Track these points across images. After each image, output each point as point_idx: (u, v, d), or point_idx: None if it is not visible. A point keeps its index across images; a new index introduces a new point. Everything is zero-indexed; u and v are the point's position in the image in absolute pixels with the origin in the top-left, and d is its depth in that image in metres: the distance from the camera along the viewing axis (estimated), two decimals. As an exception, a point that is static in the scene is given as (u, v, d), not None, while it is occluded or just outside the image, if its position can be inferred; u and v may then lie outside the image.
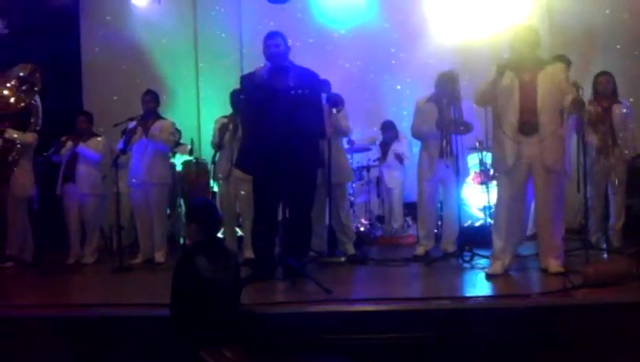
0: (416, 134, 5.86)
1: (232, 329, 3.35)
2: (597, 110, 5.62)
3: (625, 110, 5.78)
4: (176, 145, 7.10)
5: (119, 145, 6.05)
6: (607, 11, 7.33)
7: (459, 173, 5.42)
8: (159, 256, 6.07)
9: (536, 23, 6.71)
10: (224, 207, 6.02)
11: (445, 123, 5.38)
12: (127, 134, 5.93)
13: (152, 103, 6.19)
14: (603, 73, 5.84)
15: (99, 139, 6.46)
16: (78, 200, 6.36)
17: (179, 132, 7.29)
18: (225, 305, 3.36)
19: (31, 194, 6.11)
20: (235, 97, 5.73)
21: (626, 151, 5.77)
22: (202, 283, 3.28)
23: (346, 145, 6.39)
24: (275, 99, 4.55)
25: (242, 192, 5.85)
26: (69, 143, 6.35)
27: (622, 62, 7.07)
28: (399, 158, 7.27)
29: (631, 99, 6.02)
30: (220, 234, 6.37)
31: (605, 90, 5.72)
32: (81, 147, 6.29)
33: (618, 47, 7.24)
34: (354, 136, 7.11)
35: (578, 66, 6.33)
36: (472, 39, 7.16)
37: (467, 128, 5.45)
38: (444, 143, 5.30)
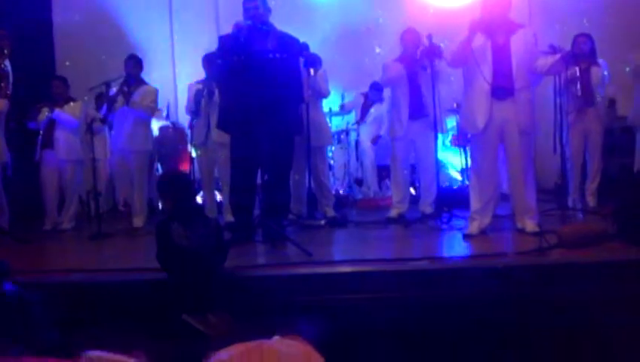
0: (385, 81, 5.82)
1: (215, 295, 3.36)
2: (573, 70, 5.63)
3: (603, 71, 5.80)
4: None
5: (102, 111, 5.97)
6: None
7: (435, 131, 5.42)
8: (137, 221, 6.05)
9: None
10: (203, 172, 6.01)
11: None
12: (108, 102, 5.84)
13: (135, 69, 6.10)
14: (581, 34, 5.84)
15: (75, 103, 6.34)
16: (57, 166, 6.28)
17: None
18: (205, 272, 3.37)
19: (4, 161, 5.99)
20: (210, 61, 5.64)
21: (601, 112, 5.81)
22: (178, 251, 3.30)
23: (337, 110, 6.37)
24: (253, 62, 4.49)
25: (221, 156, 5.81)
26: (46, 110, 6.23)
27: (604, 25, 7.07)
28: (374, 141, 7.33)
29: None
30: (199, 199, 6.36)
31: (583, 50, 5.72)
32: (58, 112, 6.17)
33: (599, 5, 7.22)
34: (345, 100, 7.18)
35: (558, 28, 6.35)
36: (453, 3, 7.10)
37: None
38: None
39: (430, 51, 5.24)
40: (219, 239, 3.56)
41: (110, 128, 6.66)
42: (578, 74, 5.59)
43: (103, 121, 5.95)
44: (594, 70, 5.75)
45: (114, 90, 5.92)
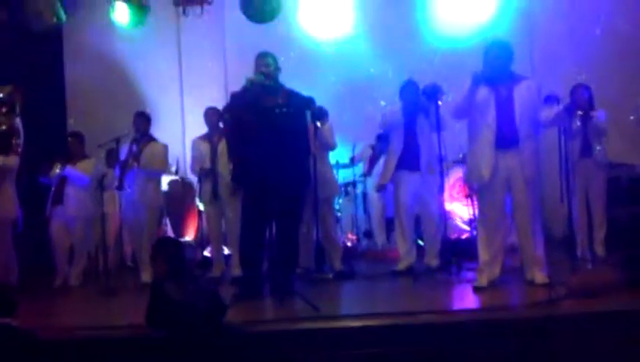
0: (382, 125, 5.91)
1: (219, 350, 3.36)
2: (575, 121, 5.67)
3: (601, 120, 5.85)
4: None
5: (115, 173, 6.11)
6: (598, 31, 7.42)
7: (442, 184, 5.46)
8: (146, 276, 6.04)
9: (518, 37, 6.89)
10: (211, 226, 6.02)
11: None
12: (121, 167, 5.96)
13: (143, 125, 6.22)
14: (579, 85, 5.91)
15: (89, 160, 6.38)
16: (66, 222, 6.29)
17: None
18: (203, 326, 3.40)
19: (14, 217, 6.03)
20: (218, 116, 5.77)
21: (600, 160, 5.83)
22: (174, 305, 3.39)
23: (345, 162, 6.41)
24: (262, 117, 4.59)
25: (229, 211, 5.86)
26: (58, 165, 6.30)
27: (603, 71, 7.18)
28: (378, 189, 7.39)
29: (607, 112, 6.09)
30: (207, 253, 6.38)
31: (581, 100, 5.77)
32: (69, 169, 6.21)
33: (600, 55, 7.34)
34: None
35: (560, 79, 6.45)
36: (455, 53, 7.24)
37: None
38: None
39: (431, 91, 5.29)
40: (214, 295, 3.64)
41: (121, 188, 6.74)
42: (579, 123, 5.63)
43: (119, 187, 6.03)
44: (592, 118, 5.79)
45: (124, 151, 6.04)
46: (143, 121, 6.26)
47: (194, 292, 3.49)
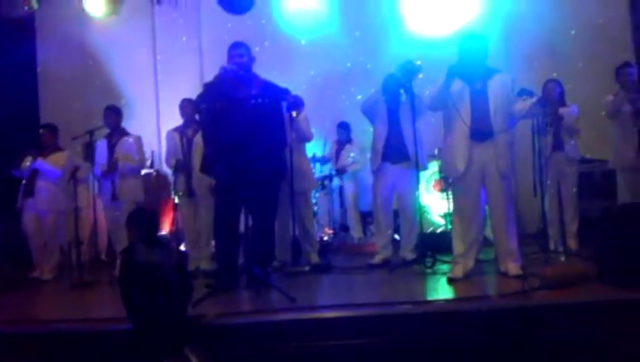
0: (364, 104, 5.77)
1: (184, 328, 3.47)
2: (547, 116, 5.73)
3: (572, 114, 5.93)
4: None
5: (95, 171, 6.15)
6: (572, 32, 7.52)
7: (417, 171, 5.47)
8: None
9: (492, 30, 6.96)
10: (185, 220, 5.97)
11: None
12: (108, 171, 6.03)
13: (112, 119, 6.17)
14: (551, 80, 5.98)
15: (62, 153, 6.30)
16: (38, 215, 6.21)
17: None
18: (170, 293, 3.49)
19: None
20: (194, 106, 5.71)
21: (571, 155, 5.92)
22: (142, 267, 3.46)
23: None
24: (237, 108, 4.55)
25: (203, 205, 5.83)
26: (29, 158, 6.21)
27: (576, 69, 7.29)
28: (342, 170, 7.42)
29: (579, 107, 6.17)
30: (182, 247, 6.33)
31: (552, 95, 5.84)
32: (40, 162, 6.13)
33: (573, 54, 7.44)
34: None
35: (532, 72, 6.53)
36: (430, 48, 7.27)
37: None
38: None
39: (406, 68, 5.35)
40: (180, 267, 3.71)
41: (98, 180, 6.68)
42: (549, 118, 5.69)
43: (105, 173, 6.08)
44: (563, 113, 5.86)
45: (100, 148, 6.06)
46: (113, 115, 6.21)
47: (162, 255, 3.58)
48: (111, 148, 6.13)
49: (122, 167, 6.05)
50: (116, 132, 6.21)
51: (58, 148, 6.34)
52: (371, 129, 5.95)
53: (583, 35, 7.45)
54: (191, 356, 3.23)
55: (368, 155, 6.08)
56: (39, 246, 6.27)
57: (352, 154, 7.49)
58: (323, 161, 7.65)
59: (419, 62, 5.45)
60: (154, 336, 3.33)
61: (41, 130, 6.39)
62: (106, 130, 6.21)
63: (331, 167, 7.66)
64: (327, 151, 7.74)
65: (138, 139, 6.28)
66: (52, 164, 6.17)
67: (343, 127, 7.63)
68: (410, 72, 5.40)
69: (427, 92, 4.99)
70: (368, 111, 5.76)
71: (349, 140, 7.60)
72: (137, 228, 3.68)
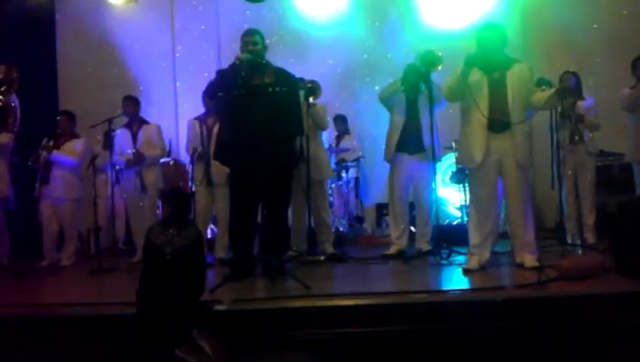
0: (382, 92, 5.71)
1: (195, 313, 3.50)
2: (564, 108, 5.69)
3: (589, 107, 5.89)
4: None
5: (115, 160, 6.25)
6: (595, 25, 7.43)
7: (434, 164, 5.46)
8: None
9: (511, 21, 6.90)
10: (200, 208, 6.01)
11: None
12: (135, 161, 6.17)
13: (131, 108, 6.30)
14: (567, 72, 5.93)
15: (77, 140, 6.37)
16: (54, 203, 6.29)
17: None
18: (180, 277, 3.52)
19: (6, 196, 6.02)
20: (210, 94, 5.72)
21: (590, 148, 5.88)
22: (154, 248, 3.51)
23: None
24: (253, 95, 4.55)
25: (220, 194, 5.86)
26: (44, 153, 6.24)
27: (595, 62, 7.22)
28: (342, 163, 7.47)
29: (597, 100, 6.12)
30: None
31: (569, 86, 5.78)
32: (55, 155, 6.21)
33: (591, 43, 7.36)
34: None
35: (551, 65, 6.47)
36: (448, 40, 7.24)
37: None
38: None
39: (430, 60, 5.34)
40: (198, 252, 3.73)
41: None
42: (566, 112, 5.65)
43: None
44: (580, 106, 5.82)
45: (120, 137, 6.20)
46: (132, 103, 6.32)
47: (178, 238, 3.59)
48: (133, 137, 6.24)
49: (149, 158, 6.21)
50: (135, 121, 6.32)
51: (75, 135, 6.42)
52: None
53: (603, 26, 7.36)
54: (200, 340, 3.24)
55: (381, 146, 6.05)
56: (53, 235, 6.33)
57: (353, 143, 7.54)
58: (338, 151, 7.67)
59: (440, 53, 5.41)
60: (162, 319, 3.35)
61: (58, 117, 6.47)
62: (124, 119, 6.30)
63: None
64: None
65: (158, 128, 6.40)
66: (67, 153, 6.25)
67: (340, 119, 7.72)
68: (431, 62, 5.36)
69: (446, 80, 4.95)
70: (387, 100, 5.70)
71: (346, 131, 7.68)
72: (169, 206, 3.75)
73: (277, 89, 4.58)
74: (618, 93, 5.79)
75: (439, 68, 5.38)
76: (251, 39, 4.79)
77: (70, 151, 6.26)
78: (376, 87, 6.62)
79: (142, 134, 6.24)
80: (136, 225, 6.34)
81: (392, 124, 5.72)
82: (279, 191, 4.81)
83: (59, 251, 6.38)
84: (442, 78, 5.40)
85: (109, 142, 6.56)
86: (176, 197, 3.86)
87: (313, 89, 5.49)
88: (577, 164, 5.88)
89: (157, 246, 3.52)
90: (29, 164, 6.30)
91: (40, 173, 6.30)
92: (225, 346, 3.29)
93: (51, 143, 6.24)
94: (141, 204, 6.26)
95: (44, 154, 6.24)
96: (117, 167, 6.45)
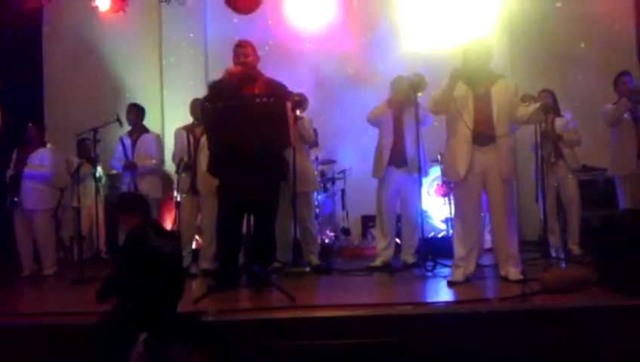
0: (371, 116, 5.79)
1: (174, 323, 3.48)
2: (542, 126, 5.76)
3: (567, 123, 5.97)
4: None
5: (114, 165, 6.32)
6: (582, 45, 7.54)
7: (420, 178, 5.49)
8: None
9: (497, 35, 6.96)
10: (184, 218, 5.97)
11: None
12: (129, 170, 6.24)
13: (133, 115, 6.37)
14: (544, 90, 5.99)
15: (43, 150, 6.28)
16: (27, 214, 6.22)
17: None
18: (178, 279, 3.58)
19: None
20: (199, 105, 5.74)
21: (571, 165, 5.96)
22: (156, 252, 3.44)
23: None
24: (240, 107, 4.55)
25: (206, 208, 5.83)
26: (11, 170, 6.23)
27: (579, 78, 7.31)
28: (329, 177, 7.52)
29: (581, 116, 6.20)
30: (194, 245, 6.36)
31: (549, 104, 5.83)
32: (28, 171, 6.15)
33: (576, 59, 7.45)
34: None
35: (537, 80, 6.54)
36: (437, 51, 7.30)
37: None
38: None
39: (418, 85, 5.37)
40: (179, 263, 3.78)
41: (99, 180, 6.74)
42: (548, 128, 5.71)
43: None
44: (557, 123, 5.90)
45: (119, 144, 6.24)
46: (136, 112, 6.40)
47: (171, 240, 3.65)
48: (132, 145, 6.30)
49: (141, 167, 6.23)
50: (137, 129, 6.37)
51: (43, 144, 6.35)
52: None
53: (589, 43, 7.46)
54: (180, 355, 3.22)
55: (367, 158, 6.07)
56: (28, 246, 6.26)
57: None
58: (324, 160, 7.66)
59: (427, 79, 5.46)
60: (134, 320, 3.32)
61: (29, 124, 6.35)
62: (113, 128, 6.27)
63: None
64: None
65: (157, 138, 6.47)
66: (37, 167, 6.18)
67: None
68: (418, 86, 5.40)
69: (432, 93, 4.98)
70: (375, 122, 5.82)
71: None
72: (140, 213, 3.66)
73: (264, 99, 4.59)
74: (601, 109, 5.87)
75: (420, 95, 5.41)
76: (243, 51, 4.84)
77: (39, 166, 6.20)
78: (364, 99, 6.66)
79: (139, 143, 6.30)
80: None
81: (380, 142, 5.78)
82: (267, 202, 4.81)
83: (36, 261, 6.30)
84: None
85: (85, 151, 6.57)
86: (141, 201, 3.82)
87: (300, 102, 5.51)
88: (559, 181, 5.96)
89: (156, 248, 3.45)
90: (7, 180, 6.24)
91: (10, 185, 6.21)
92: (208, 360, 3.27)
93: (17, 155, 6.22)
94: None
95: (10, 171, 6.22)
96: (114, 172, 6.53)
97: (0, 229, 6.42)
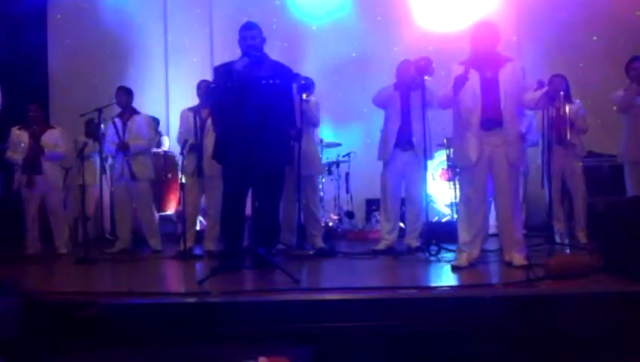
0: (377, 97, 5.77)
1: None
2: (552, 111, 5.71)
3: (576, 110, 5.92)
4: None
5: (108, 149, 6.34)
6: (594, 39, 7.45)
7: (425, 161, 5.44)
8: (155, 243, 6.30)
9: (505, 17, 6.90)
10: (189, 200, 5.97)
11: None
12: (121, 151, 6.19)
13: (123, 98, 6.32)
14: (556, 75, 5.93)
15: (54, 131, 6.36)
16: (40, 194, 6.26)
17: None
18: None
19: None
20: (205, 88, 5.71)
21: (578, 151, 5.93)
22: None
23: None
24: (247, 89, 4.52)
25: (211, 186, 5.83)
26: (24, 138, 6.22)
27: (590, 63, 7.24)
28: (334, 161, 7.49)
29: (588, 101, 6.15)
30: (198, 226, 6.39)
31: (557, 90, 5.78)
32: (48, 153, 6.22)
33: (585, 41, 7.38)
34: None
35: (544, 63, 6.49)
36: (446, 33, 7.24)
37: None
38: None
39: (423, 68, 5.31)
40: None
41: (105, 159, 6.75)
42: (554, 114, 5.66)
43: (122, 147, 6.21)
44: (569, 109, 5.84)
45: (111, 128, 6.23)
46: (125, 94, 6.33)
47: None
48: (123, 127, 6.26)
49: (134, 148, 6.20)
50: (127, 111, 6.34)
51: (48, 126, 6.43)
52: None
53: (598, 27, 7.38)
54: None
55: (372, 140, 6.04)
56: (35, 225, 6.29)
57: None
58: (329, 144, 7.64)
59: (433, 63, 5.41)
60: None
61: (31, 106, 6.35)
62: (117, 109, 6.32)
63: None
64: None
65: (147, 119, 6.43)
66: (52, 147, 6.25)
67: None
68: (424, 70, 5.35)
69: (440, 91, 4.91)
70: (381, 104, 5.77)
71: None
72: None
73: (270, 82, 4.55)
74: (612, 95, 5.82)
75: (428, 78, 5.36)
76: (250, 33, 4.79)
77: (54, 145, 6.27)
78: (371, 81, 6.62)
79: (130, 125, 6.27)
80: (119, 215, 6.38)
81: (386, 125, 5.74)
82: (272, 183, 4.79)
83: (54, 240, 6.34)
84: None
85: (92, 131, 6.58)
86: None
87: (307, 86, 5.48)
88: (565, 167, 5.92)
89: None
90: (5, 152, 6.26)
91: (22, 164, 6.22)
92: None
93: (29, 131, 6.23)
94: (128, 192, 6.30)
95: (22, 139, 6.22)
96: (107, 155, 6.51)
97: (9, 206, 6.44)
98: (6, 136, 6.31)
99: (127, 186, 6.29)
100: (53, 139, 6.29)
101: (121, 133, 6.25)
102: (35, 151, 6.19)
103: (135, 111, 6.37)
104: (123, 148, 6.20)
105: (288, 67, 4.92)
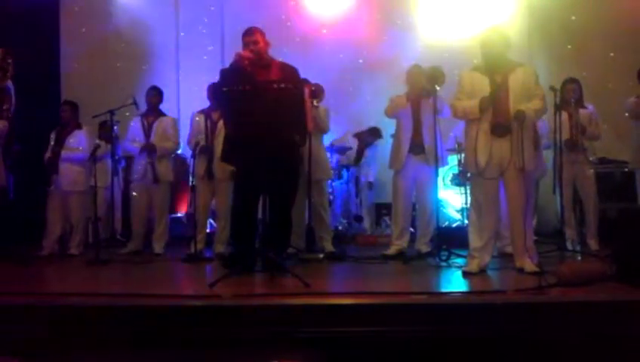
0: (389, 110, 5.80)
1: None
2: (565, 116, 5.67)
3: (589, 115, 5.88)
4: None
5: (129, 148, 6.40)
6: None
7: (437, 165, 5.45)
8: (158, 247, 6.27)
9: (516, 23, 6.87)
10: (199, 202, 5.99)
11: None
12: (147, 152, 6.23)
13: (154, 98, 6.38)
14: (570, 80, 5.88)
15: (80, 133, 6.39)
16: (63, 195, 6.32)
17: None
18: None
19: (3, 184, 5.98)
20: (214, 90, 5.71)
21: (591, 158, 5.89)
22: None
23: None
24: (259, 91, 4.51)
25: (221, 192, 5.86)
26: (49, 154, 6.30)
27: (602, 68, 7.21)
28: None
29: (600, 108, 6.11)
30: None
31: (571, 97, 5.72)
32: (65, 154, 6.25)
33: (596, 47, 7.34)
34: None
35: (556, 66, 6.46)
36: (456, 39, 7.23)
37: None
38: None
39: (431, 75, 5.35)
40: None
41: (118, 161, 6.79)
42: (564, 118, 5.61)
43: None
44: (582, 114, 5.80)
45: (135, 126, 6.28)
46: (155, 94, 6.39)
47: None
48: (148, 127, 6.27)
49: (161, 150, 6.22)
50: (152, 112, 6.37)
51: (78, 126, 6.44)
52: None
53: (609, 33, 7.35)
54: None
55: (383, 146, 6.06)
56: (56, 226, 6.32)
57: None
58: (339, 148, 7.65)
59: (444, 71, 5.42)
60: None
61: (62, 107, 6.46)
62: (133, 109, 6.36)
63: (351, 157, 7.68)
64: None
65: (174, 121, 6.48)
66: (74, 149, 6.27)
67: (372, 132, 7.67)
68: (436, 79, 5.37)
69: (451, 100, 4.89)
70: (393, 115, 5.81)
71: (372, 144, 7.75)
72: None
73: (282, 85, 4.54)
74: (624, 102, 5.79)
75: (438, 87, 5.37)
76: (252, 38, 4.71)
77: (76, 149, 6.29)
78: (380, 87, 6.63)
79: (157, 126, 6.29)
80: (136, 216, 6.38)
81: (398, 134, 5.76)
82: (285, 187, 4.79)
83: (68, 241, 6.38)
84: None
85: (104, 133, 6.61)
86: None
87: (316, 92, 5.49)
88: (577, 173, 5.87)
89: None
90: (45, 162, 6.31)
91: (48, 164, 6.29)
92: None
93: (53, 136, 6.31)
94: (147, 193, 6.32)
95: (48, 153, 6.30)
96: (125, 154, 6.56)
97: (22, 207, 6.47)
98: (20, 136, 6.34)
99: (147, 188, 6.30)
100: (77, 140, 6.31)
101: (142, 133, 6.27)
102: (56, 152, 6.23)
103: (161, 113, 6.40)
104: (149, 149, 6.20)
105: (295, 68, 4.85)
